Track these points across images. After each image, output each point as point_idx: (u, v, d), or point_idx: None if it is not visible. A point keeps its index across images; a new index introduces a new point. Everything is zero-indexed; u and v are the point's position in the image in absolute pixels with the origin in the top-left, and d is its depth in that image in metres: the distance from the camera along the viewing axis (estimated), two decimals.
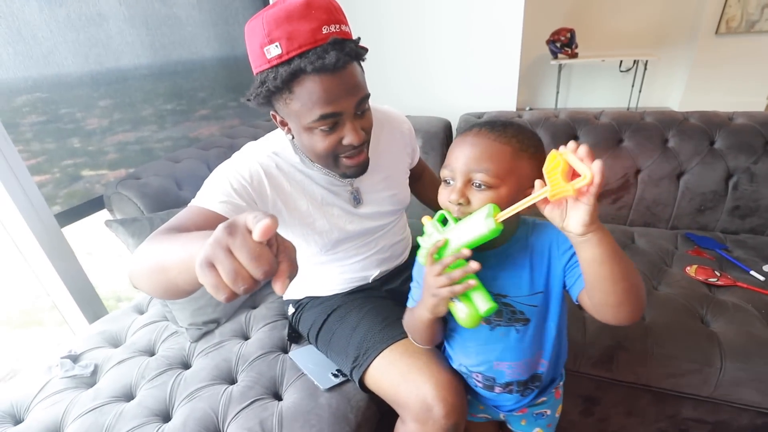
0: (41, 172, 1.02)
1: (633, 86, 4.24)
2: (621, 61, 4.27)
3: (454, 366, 0.71)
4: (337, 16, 0.61)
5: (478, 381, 0.67)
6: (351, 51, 0.60)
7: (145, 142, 1.28)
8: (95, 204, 1.13)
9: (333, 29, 0.59)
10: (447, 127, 1.44)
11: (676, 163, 1.23)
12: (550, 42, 4.09)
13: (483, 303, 0.49)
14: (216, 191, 0.66)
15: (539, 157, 0.54)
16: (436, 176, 1.12)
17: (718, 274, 1.00)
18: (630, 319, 0.49)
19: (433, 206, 1.14)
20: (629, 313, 0.49)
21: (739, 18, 3.78)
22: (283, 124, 0.68)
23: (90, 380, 0.86)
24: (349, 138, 0.63)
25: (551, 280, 0.57)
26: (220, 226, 0.31)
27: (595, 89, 4.58)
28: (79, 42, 1.06)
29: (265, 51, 0.59)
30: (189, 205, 0.67)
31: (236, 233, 0.30)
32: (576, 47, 4.05)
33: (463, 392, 0.70)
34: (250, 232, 0.31)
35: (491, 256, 0.57)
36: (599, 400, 0.97)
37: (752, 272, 1.02)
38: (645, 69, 4.07)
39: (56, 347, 0.96)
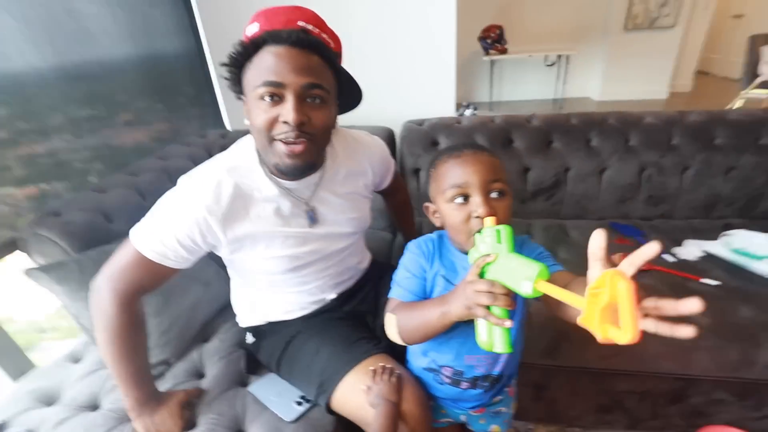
0: None
1: (558, 79, 4.58)
2: (546, 56, 4.58)
3: (421, 365, 0.73)
4: (319, 23, 0.67)
5: (446, 376, 0.70)
6: (313, 41, 0.62)
7: (59, 153, 1.14)
8: (3, 248, 1.00)
9: (310, 27, 0.65)
10: (389, 135, 1.46)
11: (599, 160, 1.36)
12: (482, 39, 4.28)
13: (501, 344, 0.50)
14: (163, 245, 0.67)
15: None
16: (408, 197, 1.14)
17: None
18: None
19: (402, 225, 1.19)
20: None
21: (643, 15, 4.22)
22: (247, 111, 0.67)
23: None
24: (284, 114, 0.61)
25: None
26: None
27: (525, 82, 4.88)
28: None
29: (246, 30, 0.67)
30: (135, 249, 0.67)
31: None
32: (505, 43, 4.28)
33: (426, 402, 0.74)
34: None
35: None
36: (547, 386, 1.07)
37: (664, 255, 1.16)
38: (567, 63, 4.41)
39: None
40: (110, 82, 1.33)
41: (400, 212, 1.16)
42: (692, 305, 0.36)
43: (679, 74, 4.62)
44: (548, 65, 4.67)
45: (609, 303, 0.37)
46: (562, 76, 4.50)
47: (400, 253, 1.24)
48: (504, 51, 4.30)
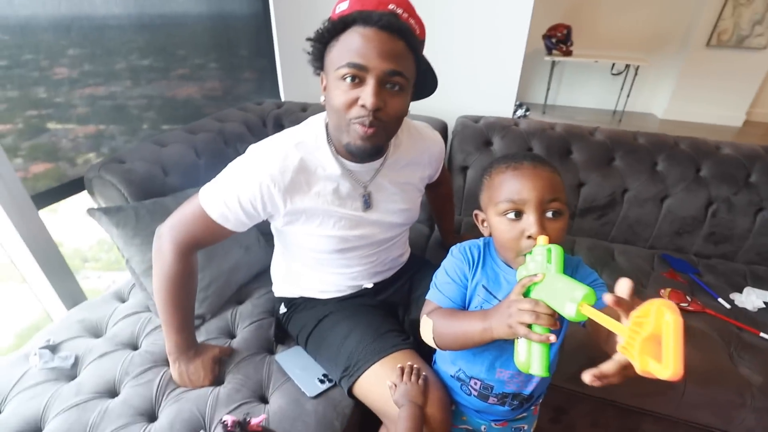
0: (2, 121, 0.93)
1: (622, 89, 4.31)
2: (613, 64, 4.31)
3: (449, 372, 0.73)
4: (409, 9, 0.66)
5: (474, 389, 0.69)
6: (402, 26, 0.61)
7: (118, 98, 1.19)
8: (74, 186, 1.07)
9: (399, 12, 0.63)
10: (443, 128, 1.43)
11: (663, 186, 1.27)
12: (547, 37, 4.08)
13: (539, 366, 0.48)
14: (227, 208, 0.70)
15: None
16: (451, 191, 1.14)
17: (689, 300, 1.06)
18: None
19: (441, 219, 1.20)
20: None
21: (731, 32, 3.87)
22: (324, 88, 0.68)
23: (70, 372, 0.83)
24: (364, 97, 0.61)
25: None
26: None
27: (585, 89, 4.63)
28: None
29: (335, 8, 0.65)
30: (201, 207, 0.71)
31: None
32: (571, 45, 4.05)
33: (449, 407, 0.73)
34: None
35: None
36: (568, 411, 1.04)
37: (720, 299, 1.08)
38: (635, 74, 4.13)
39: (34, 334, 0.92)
40: (176, 36, 1.37)
41: (441, 205, 1.14)
42: None
43: (760, 101, 4.23)
44: (614, 74, 4.40)
45: (652, 334, 0.34)
46: (626, 88, 4.23)
47: (436, 249, 1.24)
48: (568, 53, 4.08)
